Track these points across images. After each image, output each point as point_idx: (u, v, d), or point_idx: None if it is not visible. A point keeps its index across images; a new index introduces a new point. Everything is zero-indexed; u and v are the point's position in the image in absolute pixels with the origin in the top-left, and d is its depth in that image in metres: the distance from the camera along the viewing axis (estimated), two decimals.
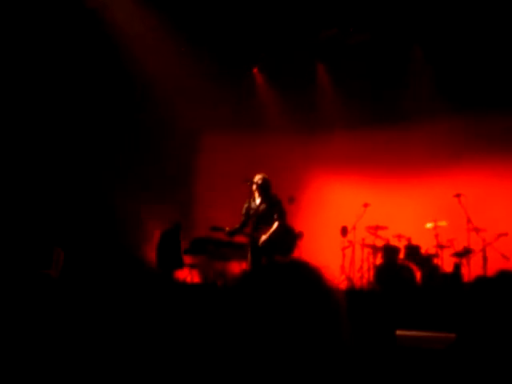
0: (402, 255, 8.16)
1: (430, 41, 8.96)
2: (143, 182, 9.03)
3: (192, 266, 9.09)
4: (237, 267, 8.26)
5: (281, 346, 0.98)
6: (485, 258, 7.67)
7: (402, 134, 9.50)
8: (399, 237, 8.32)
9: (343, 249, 8.77)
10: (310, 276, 1.11)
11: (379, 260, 8.29)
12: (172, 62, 9.10)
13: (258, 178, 6.64)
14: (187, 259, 9.13)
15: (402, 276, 7.86)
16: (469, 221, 7.93)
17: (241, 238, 7.15)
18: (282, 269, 1.12)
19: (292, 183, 9.33)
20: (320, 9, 8.42)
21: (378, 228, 8.48)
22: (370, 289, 7.94)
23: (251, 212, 6.62)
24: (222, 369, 1.04)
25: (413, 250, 8.12)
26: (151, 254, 9.21)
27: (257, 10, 8.46)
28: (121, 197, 8.70)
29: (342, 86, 9.80)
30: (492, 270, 7.25)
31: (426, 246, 8.11)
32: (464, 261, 7.78)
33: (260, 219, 6.54)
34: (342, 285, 8.23)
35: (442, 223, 8.10)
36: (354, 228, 8.62)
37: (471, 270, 7.63)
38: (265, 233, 6.49)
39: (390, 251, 8.17)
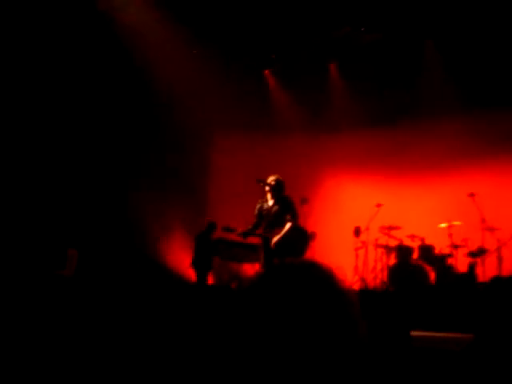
0: (415, 255, 8.11)
1: (444, 40, 8.90)
2: (156, 183, 9.07)
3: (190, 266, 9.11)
4: (250, 268, 8.26)
5: (296, 348, 0.98)
6: (500, 258, 7.60)
7: (415, 134, 9.44)
8: (413, 237, 8.27)
9: (356, 249, 8.74)
10: (323, 277, 1.10)
11: (393, 260, 8.24)
12: (184, 64, 9.12)
13: (271, 179, 6.62)
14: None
15: (416, 276, 7.81)
16: (483, 220, 7.86)
17: (253, 239, 7.14)
18: (296, 270, 1.12)
19: (305, 184, 9.32)
20: (332, 8, 8.39)
21: (391, 228, 8.43)
22: (383, 289, 7.89)
23: (264, 213, 6.61)
24: (238, 370, 1.04)
25: (426, 250, 8.07)
26: (165, 254, 9.25)
27: (268, 10, 8.45)
28: (134, 198, 8.74)
29: (354, 86, 9.76)
30: (507, 269, 7.20)
31: (440, 246, 8.05)
32: (479, 261, 7.71)
33: (273, 220, 6.52)
34: (356, 285, 8.20)
35: (456, 223, 8.04)
36: (367, 228, 8.58)
37: (486, 270, 7.56)
38: (277, 234, 6.48)
39: (403, 251, 8.12)
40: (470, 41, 8.57)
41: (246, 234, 6.70)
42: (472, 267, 7.69)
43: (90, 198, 8.49)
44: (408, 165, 9.48)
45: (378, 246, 8.51)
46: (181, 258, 9.33)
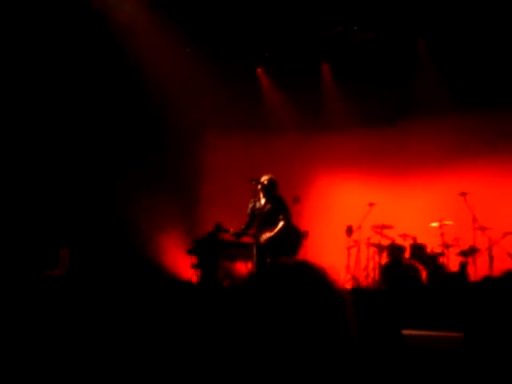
0: (407, 254, 8.14)
1: (436, 39, 8.92)
2: (149, 183, 9.03)
3: (196, 266, 9.09)
4: (242, 267, 8.25)
5: (288, 347, 0.98)
6: (491, 257, 7.64)
7: (406, 133, 9.47)
8: (405, 236, 8.30)
9: (349, 248, 8.76)
10: (316, 276, 1.10)
11: (385, 259, 8.27)
12: (177, 63, 9.10)
13: (264, 178, 6.64)
14: (192, 259, 9.13)
15: (408, 275, 7.85)
16: (474, 220, 7.90)
17: (246, 238, 7.15)
18: (288, 270, 1.12)
19: (297, 183, 9.33)
20: (324, 7, 8.40)
21: (383, 227, 8.46)
22: (375, 288, 7.92)
23: (256, 212, 6.62)
24: (228, 370, 1.04)
25: (418, 249, 8.10)
26: (158, 253, 9.23)
27: (261, 9, 8.44)
28: (126, 197, 8.71)
29: (346, 86, 9.77)
30: (498, 269, 7.23)
31: (432, 245, 8.09)
32: (470, 260, 7.75)
33: (265, 219, 6.54)
34: (348, 284, 8.23)
35: (448, 222, 8.08)
36: (359, 227, 8.61)
37: (477, 269, 7.61)
38: (270, 232, 6.50)
39: (395, 250, 8.15)
40: (464, 40, 8.60)
41: (238, 235, 6.72)
42: (463, 266, 7.73)
43: (82, 197, 8.46)
44: (400, 164, 9.51)
45: (370, 244, 8.54)
46: (174, 257, 9.31)
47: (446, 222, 8.08)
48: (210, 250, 7.89)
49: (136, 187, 8.74)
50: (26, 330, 3.00)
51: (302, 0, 8.31)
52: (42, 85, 7.88)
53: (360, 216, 8.61)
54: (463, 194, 7.99)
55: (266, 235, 6.48)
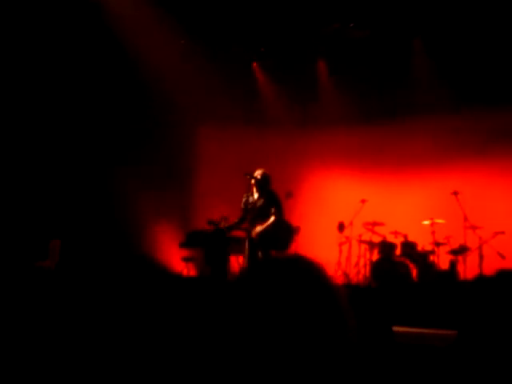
0: (398, 252, 8.17)
1: (432, 36, 8.93)
2: (142, 176, 9.00)
3: (188, 260, 9.09)
4: (234, 261, 8.26)
5: (285, 343, 0.98)
6: (481, 256, 7.68)
7: (400, 131, 9.49)
8: (396, 233, 8.33)
9: (340, 244, 8.78)
10: (310, 271, 1.10)
11: (375, 256, 8.30)
12: (172, 56, 9.06)
13: (257, 172, 6.64)
14: (183, 252, 9.13)
15: (398, 272, 7.88)
16: (465, 219, 7.94)
17: (238, 232, 7.15)
18: (283, 264, 1.11)
19: (290, 178, 9.33)
20: (321, 4, 8.39)
21: (375, 224, 8.48)
22: (366, 285, 7.95)
23: (249, 206, 6.62)
24: (220, 365, 1.03)
25: (409, 247, 8.13)
26: (151, 245, 9.20)
27: (257, 3, 8.42)
28: (119, 189, 8.68)
29: (342, 82, 9.78)
30: (488, 268, 7.28)
31: (423, 243, 8.12)
32: (460, 258, 7.79)
33: (258, 214, 6.54)
34: (339, 280, 8.25)
35: (439, 220, 8.11)
36: (350, 224, 8.63)
37: (467, 268, 7.65)
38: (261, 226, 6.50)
39: (386, 247, 8.18)
40: (459, 39, 8.62)
41: (230, 229, 6.72)
42: (453, 265, 7.77)
43: (74, 188, 8.42)
44: (393, 162, 9.53)
45: (361, 241, 8.56)
46: (168, 250, 9.30)
47: (438, 221, 8.11)
48: (220, 246, 7.61)
49: (130, 179, 8.71)
50: (18, 322, 2.98)
51: None
52: (35, 76, 7.82)
53: (352, 212, 8.63)
54: (455, 193, 8.02)
55: (258, 229, 6.49)
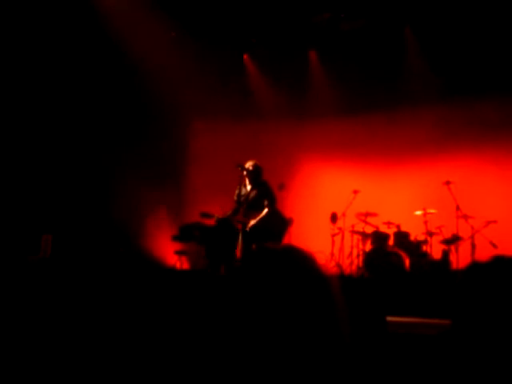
0: (391, 242, 8.19)
1: (424, 26, 8.94)
2: (135, 169, 8.96)
3: (181, 253, 9.08)
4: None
5: (279, 333, 0.97)
6: (473, 246, 7.71)
7: (392, 121, 9.49)
8: (389, 223, 8.35)
9: (333, 235, 8.79)
10: (304, 261, 1.09)
11: (368, 246, 8.31)
12: (162, 48, 9.00)
13: (249, 164, 6.61)
14: (176, 245, 9.11)
15: (391, 262, 7.89)
16: (458, 208, 7.96)
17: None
18: (277, 254, 1.10)
19: (282, 169, 9.32)
20: None
21: (367, 215, 8.49)
22: (359, 275, 7.96)
23: (242, 198, 6.61)
24: (215, 357, 1.02)
25: (402, 237, 8.15)
26: (144, 239, 9.18)
27: None
28: (112, 183, 8.64)
29: (333, 73, 9.76)
30: (480, 257, 7.29)
31: (415, 233, 8.15)
32: (452, 248, 7.82)
33: (250, 205, 6.53)
34: (332, 271, 8.25)
35: (432, 210, 8.13)
36: (343, 214, 8.63)
37: (459, 257, 7.68)
38: (255, 219, 6.49)
39: (379, 238, 8.20)
40: (451, 28, 8.62)
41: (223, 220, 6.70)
42: (446, 254, 7.80)
43: (66, 183, 8.37)
44: (385, 152, 9.54)
45: (354, 232, 8.58)
46: (161, 243, 9.28)
47: (430, 211, 8.14)
48: (228, 236, 7.17)
49: (122, 173, 8.67)
50: (13, 316, 2.96)
51: None
52: (27, 72, 7.74)
53: (344, 203, 8.63)
54: (447, 183, 8.04)
55: (251, 222, 6.47)
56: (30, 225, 7.37)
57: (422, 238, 8.09)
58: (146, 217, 9.29)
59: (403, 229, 8.28)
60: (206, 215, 6.84)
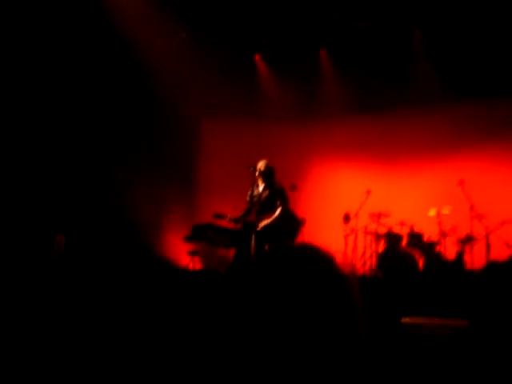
0: (404, 243, 8.13)
1: (433, 27, 8.87)
2: (144, 169, 8.99)
3: (193, 253, 9.08)
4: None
5: (296, 332, 0.95)
6: (488, 246, 7.63)
7: (405, 121, 9.45)
8: (402, 224, 8.29)
9: (346, 236, 8.74)
10: (323, 261, 1.07)
11: (382, 247, 8.26)
12: (173, 48, 9.01)
13: (260, 164, 6.60)
14: (189, 246, 9.12)
15: (405, 263, 7.84)
16: (472, 208, 7.89)
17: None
18: (295, 253, 1.09)
19: (294, 170, 9.30)
20: None
21: (380, 215, 8.43)
22: (372, 276, 7.92)
23: (254, 199, 6.59)
24: (228, 358, 1.01)
25: (415, 238, 8.09)
26: (156, 240, 9.20)
27: None
28: (122, 184, 8.66)
29: (344, 73, 9.72)
30: (495, 257, 7.23)
31: (429, 234, 8.08)
32: (467, 248, 7.75)
33: (263, 206, 6.51)
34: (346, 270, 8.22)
35: (445, 211, 8.06)
36: (356, 215, 8.59)
37: (474, 258, 7.61)
38: (267, 219, 6.47)
39: (392, 238, 8.14)
40: (460, 29, 8.56)
41: (236, 220, 6.68)
42: (460, 255, 7.74)
43: (79, 185, 8.40)
44: (398, 152, 9.49)
45: (367, 232, 8.53)
46: (174, 244, 9.29)
47: (444, 211, 8.07)
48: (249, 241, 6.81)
49: (133, 174, 8.69)
50: (23, 316, 2.97)
51: None
52: (32, 71, 7.77)
53: (357, 204, 8.59)
54: (461, 183, 7.97)
55: (263, 223, 6.45)
56: (43, 225, 7.40)
57: (435, 238, 8.03)
58: (158, 218, 9.31)
59: (417, 229, 8.22)
60: (218, 216, 6.82)
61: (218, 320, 1.07)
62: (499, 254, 7.03)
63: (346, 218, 8.66)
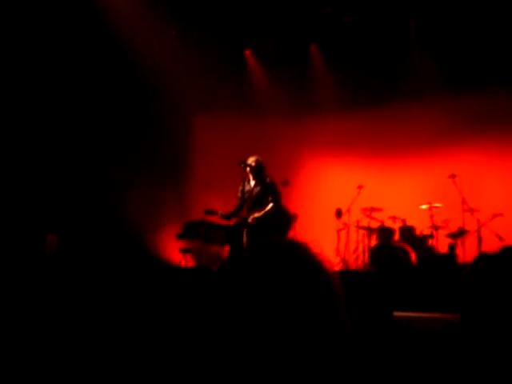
0: (396, 236, 8.16)
1: (427, 19, 8.86)
2: (137, 167, 8.94)
3: (186, 251, 9.06)
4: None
5: (277, 328, 0.94)
6: (479, 239, 7.67)
7: (396, 115, 9.45)
8: (394, 218, 8.31)
9: (338, 231, 8.76)
10: (300, 253, 1.07)
11: (374, 242, 8.28)
12: (163, 45, 8.97)
13: (251, 160, 6.57)
14: (181, 243, 9.09)
15: (397, 257, 7.85)
16: (463, 201, 7.92)
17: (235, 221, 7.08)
18: (276, 248, 1.08)
19: (286, 165, 9.29)
20: None
21: (372, 210, 8.45)
22: (365, 270, 7.93)
23: (246, 195, 6.57)
24: (219, 353, 1.00)
25: (408, 232, 8.12)
26: (149, 237, 9.16)
27: None
28: (115, 182, 8.62)
29: (336, 67, 9.71)
30: (486, 250, 7.25)
31: (421, 227, 8.11)
32: (459, 241, 7.78)
33: (255, 202, 6.49)
34: (337, 267, 8.23)
35: (437, 204, 8.09)
36: (348, 210, 8.59)
37: (466, 251, 7.64)
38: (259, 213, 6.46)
39: (384, 233, 8.16)
40: (455, 22, 8.56)
41: (227, 216, 6.66)
42: (452, 248, 7.76)
43: (71, 184, 8.35)
44: (390, 146, 9.50)
45: (359, 227, 8.54)
46: (166, 242, 9.27)
47: (436, 205, 8.09)
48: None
49: (125, 172, 8.65)
50: (18, 315, 2.95)
51: None
52: (26, 70, 7.71)
53: (349, 199, 8.59)
54: (452, 176, 8.00)
55: (254, 215, 6.43)
56: (35, 224, 7.36)
57: (427, 232, 8.05)
58: (150, 215, 9.27)
59: (409, 223, 8.24)
60: (210, 212, 6.80)
61: (207, 317, 1.06)
62: (491, 246, 7.03)
63: (338, 213, 8.66)
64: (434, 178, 8.71)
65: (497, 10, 8.16)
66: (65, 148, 8.30)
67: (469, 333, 1.42)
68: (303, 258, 1.06)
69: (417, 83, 9.03)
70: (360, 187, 8.60)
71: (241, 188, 6.69)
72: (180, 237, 8.92)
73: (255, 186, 6.55)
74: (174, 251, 9.10)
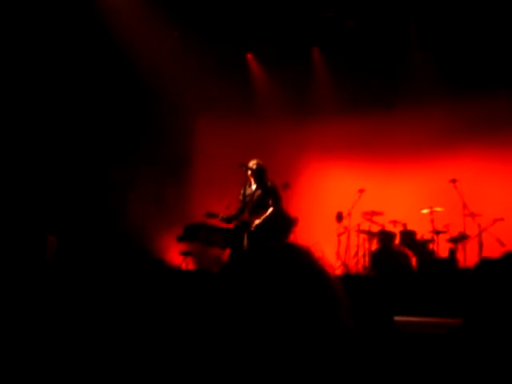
0: (397, 241, 8.14)
1: (427, 22, 8.87)
2: (138, 169, 8.94)
3: (186, 254, 9.04)
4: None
5: (277, 331, 0.94)
6: (480, 244, 7.65)
7: (397, 119, 9.44)
8: (395, 222, 8.30)
9: (339, 235, 8.75)
10: (301, 258, 1.06)
11: (375, 246, 8.27)
12: (166, 47, 8.99)
13: (252, 163, 6.57)
14: (181, 246, 9.08)
15: (398, 261, 7.84)
16: (464, 206, 7.90)
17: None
18: (275, 252, 1.08)
19: (287, 169, 9.29)
20: None
21: (373, 214, 8.44)
22: (365, 274, 7.92)
23: (247, 198, 6.57)
24: (219, 355, 0.99)
25: (408, 236, 8.10)
26: (149, 239, 9.15)
27: None
28: (115, 184, 8.62)
29: (337, 71, 9.72)
30: (487, 255, 7.24)
31: (422, 232, 8.09)
32: (459, 246, 7.77)
33: (256, 205, 6.49)
34: (338, 271, 8.22)
35: (438, 209, 8.08)
36: (349, 214, 8.58)
37: (467, 256, 7.62)
38: (259, 218, 6.45)
39: (385, 237, 8.15)
40: (455, 25, 8.56)
41: (228, 220, 6.66)
42: (453, 253, 7.74)
43: (71, 185, 8.34)
44: (391, 151, 9.49)
45: (360, 231, 8.53)
46: (166, 244, 9.26)
47: (437, 209, 8.08)
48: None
49: (126, 173, 8.65)
50: (18, 317, 2.95)
51: None
52: (26, 70, 7.72)
53: (350, 202, 8.58)
54: (453, 181, 7.99)
55: (256, 222, 6.44)
56: (35, 226, 7.35)
57: (428, 236, 8.03)
58: (151, 217, 9.26)
59: (409, 227, 8.22)
60: (210, 215, 6.79)
61: (207, 319, 1.06)
62: (492, 251, 7.03)
63: (339, 217, 8.65)
64: (435, 182, 8.70)
65: (497, 11, 8.16)
66: (65, 148, 8.30)
67: (471, 337, 1.42)
68: (304, 262, 1.06)
69: (418, 87, 9.04)
70: (361, 191, 8.60)
71: (242, 191, 6.69)
72: (180, 239, 8.91)
73: (256, 189, 6.55)
74: (175, 254, 9.09)
